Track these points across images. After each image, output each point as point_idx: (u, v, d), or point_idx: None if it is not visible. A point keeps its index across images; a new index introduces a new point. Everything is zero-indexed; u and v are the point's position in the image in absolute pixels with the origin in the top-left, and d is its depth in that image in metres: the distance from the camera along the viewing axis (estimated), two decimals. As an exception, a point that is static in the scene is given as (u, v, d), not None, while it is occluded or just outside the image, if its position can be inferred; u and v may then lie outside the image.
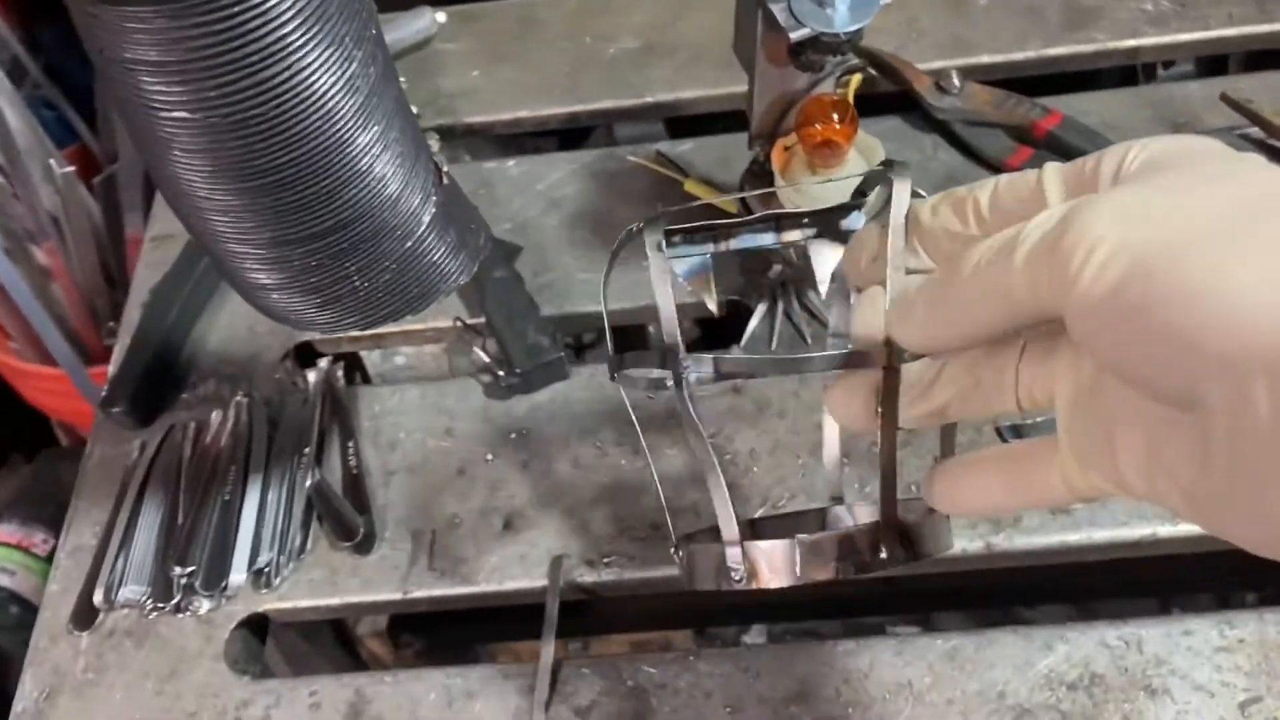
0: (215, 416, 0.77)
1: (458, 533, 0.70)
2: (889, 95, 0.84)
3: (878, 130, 0.80)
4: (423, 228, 0.53)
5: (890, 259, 0.40)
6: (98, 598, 0.69)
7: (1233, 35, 0.86)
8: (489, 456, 0.73)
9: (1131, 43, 0.87)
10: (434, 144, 0.86)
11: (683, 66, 0.91)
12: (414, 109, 0.69)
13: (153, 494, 0.73)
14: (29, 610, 1.13)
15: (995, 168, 0.80)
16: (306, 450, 0.74)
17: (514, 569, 0.68)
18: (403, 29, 0.94)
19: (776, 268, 0.75)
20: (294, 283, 0.52)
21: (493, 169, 0.88)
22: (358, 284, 0.53)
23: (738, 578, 0.43)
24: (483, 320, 0.77)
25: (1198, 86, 0.83)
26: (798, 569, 0.42)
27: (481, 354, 0.75)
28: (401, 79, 0.91)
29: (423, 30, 0.94)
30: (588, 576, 0.67)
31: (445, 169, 0.56)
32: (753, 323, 0.76)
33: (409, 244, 0.53)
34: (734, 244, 0.48)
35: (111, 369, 0.79)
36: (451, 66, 0.94)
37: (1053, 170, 0.37)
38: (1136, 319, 0.30)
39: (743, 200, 0.74)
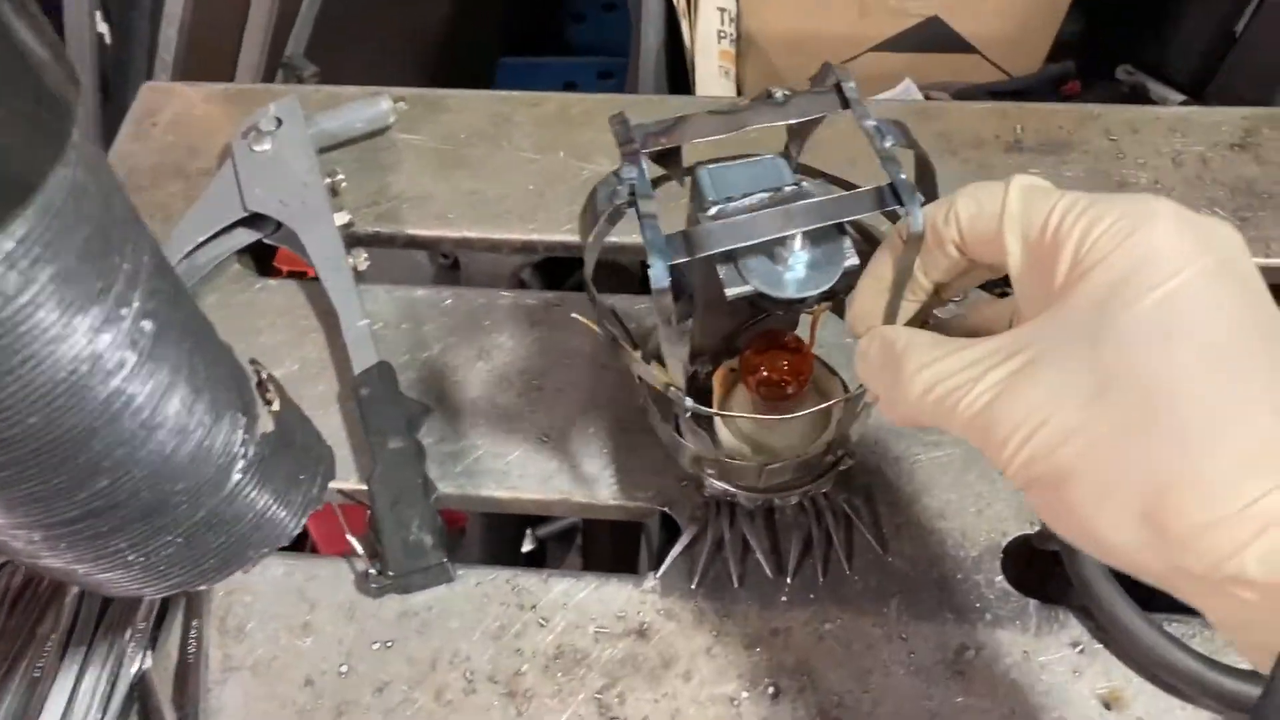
0: (48, 565, 0.67)
1: (288, 762, 0.60)
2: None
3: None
4: (228, 488, 0.42)
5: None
6: None
7: (1296, 268, 0.73)
8: (343, 669, 0.63)
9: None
10: (362, 260, 0.75)
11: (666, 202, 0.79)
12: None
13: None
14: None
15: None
16: (142, 625, 0.64)
17: (337, 830, 0.57)
18: (353, 115, 0.83)
19: (712, 484, 0.64)
20: (69, 554, 0.42)
21: (423, 298, 0.77)
22: (131, 559, 0.42)
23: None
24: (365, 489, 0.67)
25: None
26: None
27: (354, 541, 0.65)
28: (341, 178, 0.81)
29: (375, 119, 0.83)
30: None
31: (275, 405, 0.45)
32: (675, 550, 0.65)
33: (200, 514, 0.42)
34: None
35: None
36: (407, 164, 0.83)
37: (1013, 220, 0.41)
38: (1049, 512, 0.39)
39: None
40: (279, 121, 0.80)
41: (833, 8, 1.10)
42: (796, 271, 0.47)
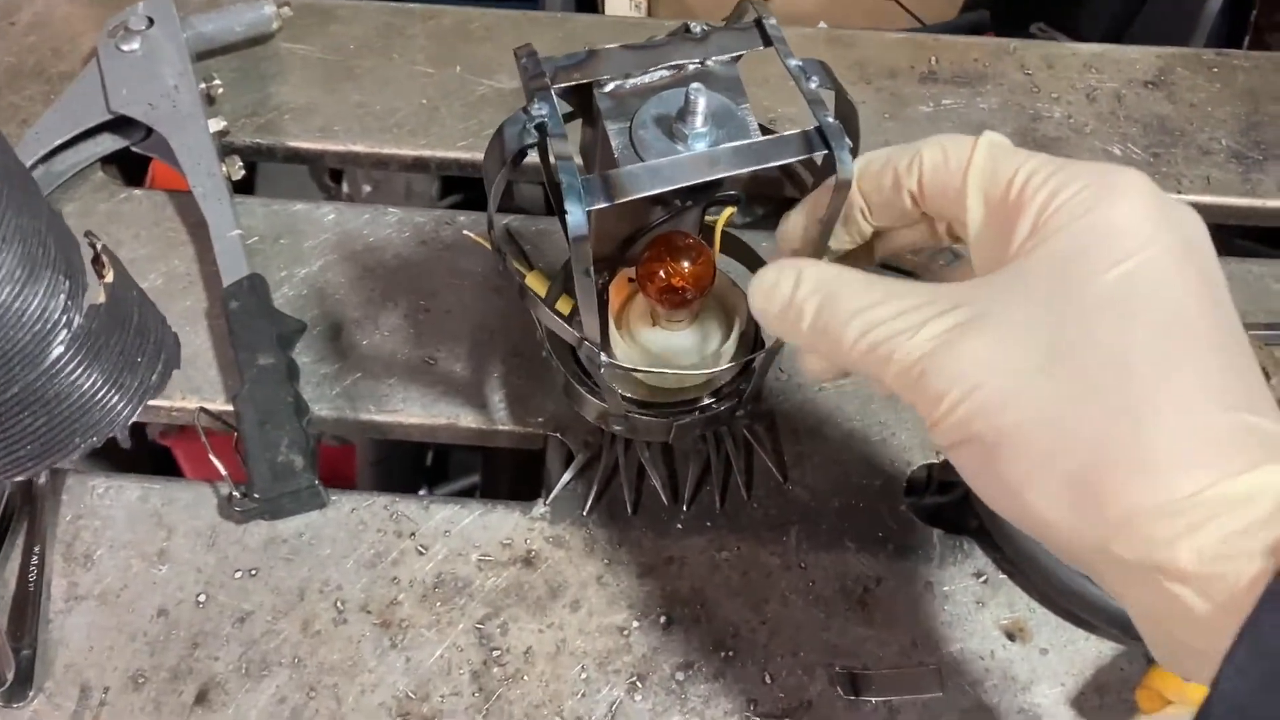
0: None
1: (137, 697, 0.55)
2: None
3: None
4: (46, 362, 0.37)
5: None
6: None
7: (1206, 203, 0.72)
8: (201, 598, 0.58)
9: (1089, 192, 0.72)
10: (236, 169, 0.70)
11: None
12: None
13: None
14: None
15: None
16: (-24, 550, 0.58)
17: (187, 769, 0.53)
18: (231, 19, 0.77)
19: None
20: None
21: (302, 212, 0.72)
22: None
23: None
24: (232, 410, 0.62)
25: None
26: None
27: (216, 461, 0.60)
28: (218, 84, 0.75)
29: (257, 24, 0.77)
30: (277, 796, 0.52)
31: (109, 277, 0.40)
32: (566, 475, 0.61)
33: (13, 390, 0.37)
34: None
35: None
36: (291, 74, 0.78)
37: (978, 175, 0.40)
38: (977, 476, 0.37)
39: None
40: (150, 21, 0.74)
41: (747, -54, 1.06)
42: (696, 151, 0.44)
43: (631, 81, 0.46)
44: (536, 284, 0.66)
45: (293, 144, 0.75)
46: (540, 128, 0.44)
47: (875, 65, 0.78)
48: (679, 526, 0.60)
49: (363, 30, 0.80)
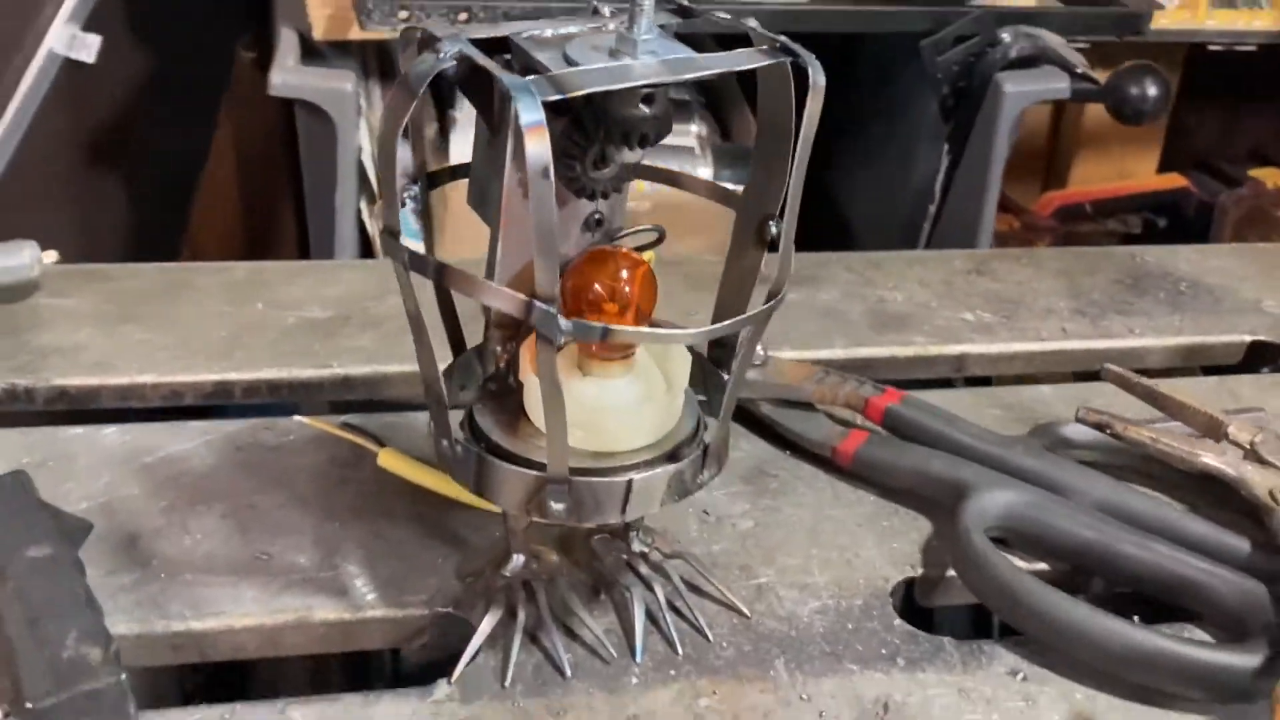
0: None
1: None
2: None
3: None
4: None
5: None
6: None
7: (1071, 349, 0.71)
8: None
9: (956, 349, 0.70)
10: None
11: (389, 337, 0.66)
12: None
13: None
14: None
15: (821, 457, 0.58)
16: None
17: None
18: (-13, 262, 0.66)
19: (518, 560, 0.47)
20: None
21: (76, 436, 0.57)
22: None
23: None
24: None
25: (1050, 390, 0.66)
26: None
27: (-32, 680, 0.41)
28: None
29: (18, 270, 0.66)
30: None
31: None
32: (474, 641, 0.46)
33: None
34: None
35: None
36: (55, 323, 0.66)
37: None
38: None
39: (474, 434, 0.46)
40: (-122, 259, 0.61)
41: None
42: (644, 61, 0.38)
43: (551, 31, 0.40)
44: (393, 462, 0.55)
45: (58, 381, 0.61)
46: (460, 57, 0.37)
47: (699, 274, 0.76)
48: (634, 680, 0.45)
49: (143, 285, 0.70)
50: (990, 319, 0.73)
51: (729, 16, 0.41)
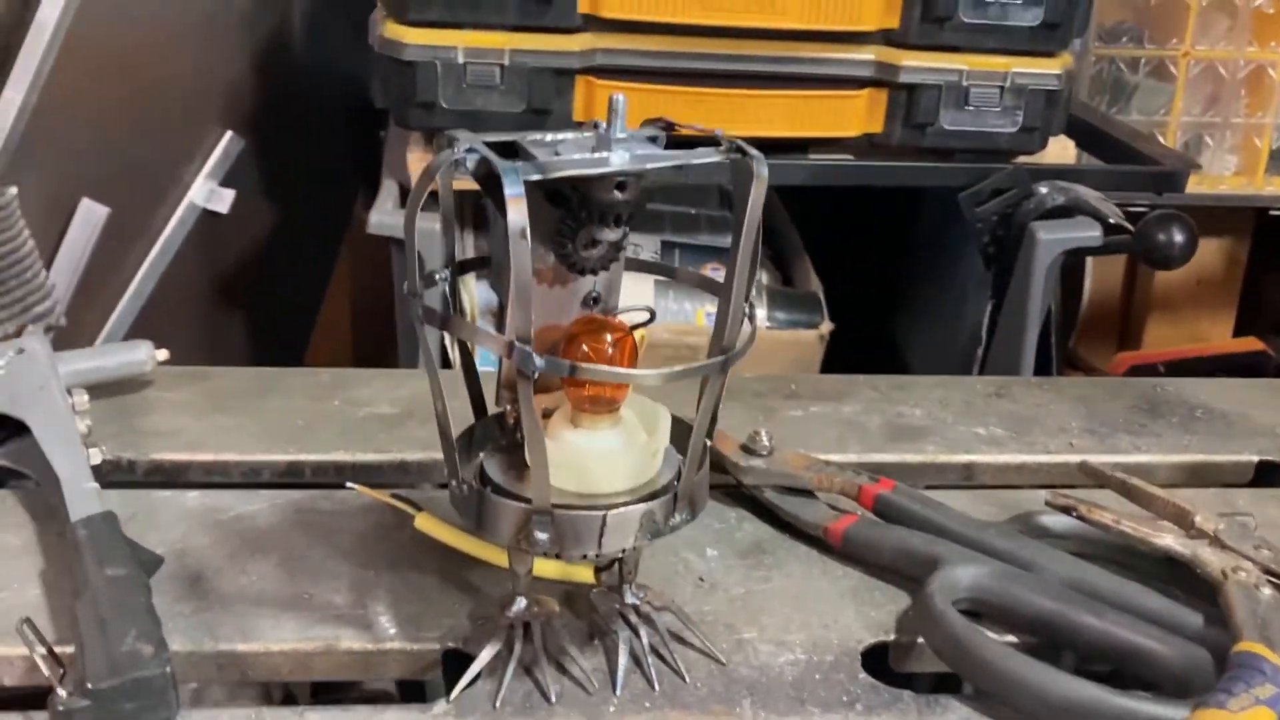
0: None
1: None
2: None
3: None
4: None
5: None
6: None
7: (1077, 463, 0.75)
8: (-8, 817, 0.43)
9: (965, 458, 0.75)
10: (95, 455, 0.65)
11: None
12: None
13: None
14: None
15: (814, 538, 0.63)
16: None
17: None
18: (110, 357, 0.76)
19: (520, 603, 0.53)
20: None
21: (163, 497, 0.66)
22: None
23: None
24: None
25: (1047, 493, 0.70)
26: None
27: (42, 665, 0.48)
28: (85, 398, 0.72)
29: (136, 364, 0.77)
30: None
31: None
32: (474, 666, 0.52)
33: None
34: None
35: None
36: (160, 410, 0.76)
37: None
38: None
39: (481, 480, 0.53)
40: (20, 350, 0.73)
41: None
42: (619, 155, 0.46)
43: (550, 137, 0.49)
44: (428, 525, 0.62)
45: (155, 456, 0.71)
46: (471, 150, 0.46)
47: (738, 385, 0.82)
48: (611, 709, 0.51)
49: (237, 384, 0.80)
50: (1001, 433, 0.78)
51: (700, 128, 0.49)
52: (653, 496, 0.50)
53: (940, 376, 0.87)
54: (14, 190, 0.77)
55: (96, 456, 0.65)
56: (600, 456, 0.49)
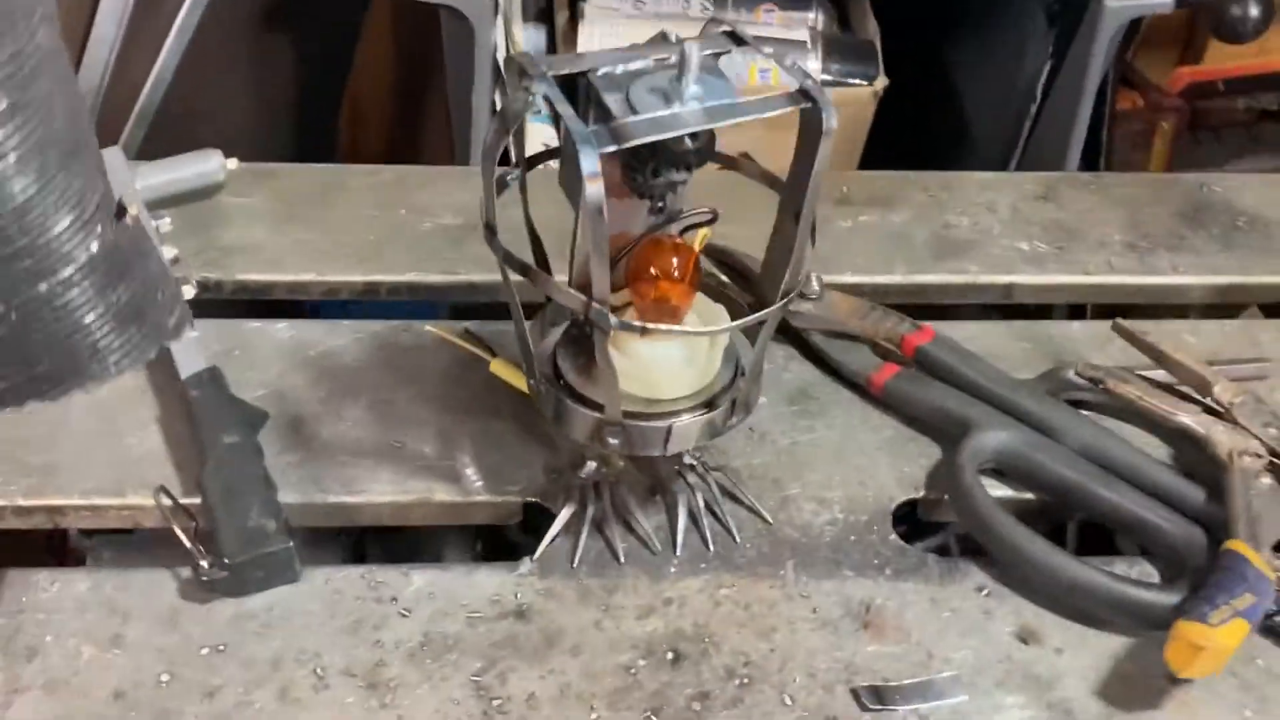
0: None
1: (91, 781, 0.49)
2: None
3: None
4: (71, 269, 0.36)
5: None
6: None
7: (1113, 284, 0.78)
8: (164, 678, 0.53)
9: (1006, 279, 0.78)
10: (189, 290, 0.70)
11: (509, 246, 0.78)
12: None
13: None
14: None
15: (857, 384, 0.68)
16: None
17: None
18: (184, 169, 0.79)
19: (591, 465, 0.60)
20: None
21: (255, 329, 0.71)
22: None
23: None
24: (197, 502, 0.59)
25: (1080, 326, 0.74)
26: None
27: (185, 539, 0.56)
28: (165, 221, 0.76)
29: (208, 174, 0.80)
30: None
31: (133, 211, 0.40)
32: (554, 529, 0.59)
33: (41, 287, 0.36)
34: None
35: None
36: (236, 221, 0.80)
37: None
38: None
39: (555, 372, 0.58)
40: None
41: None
42: (691, 108, 0.47)
43: (621, 67, 0.49)
44: (501, 370, 0.67)
45: (240, 276, 0.75)
46: (545, 98, 0.47)
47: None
48: (673, 570, 0.58)
49: (304, 185, 0.83)
50: (1044, 249, 0.80)
51: (771, 51, 0.49)
52: (712, 403, 0.55)
53: (988, 175, 0.88)
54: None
55: (190, 292, 0.70)
56: (666, 369, 0.54)
